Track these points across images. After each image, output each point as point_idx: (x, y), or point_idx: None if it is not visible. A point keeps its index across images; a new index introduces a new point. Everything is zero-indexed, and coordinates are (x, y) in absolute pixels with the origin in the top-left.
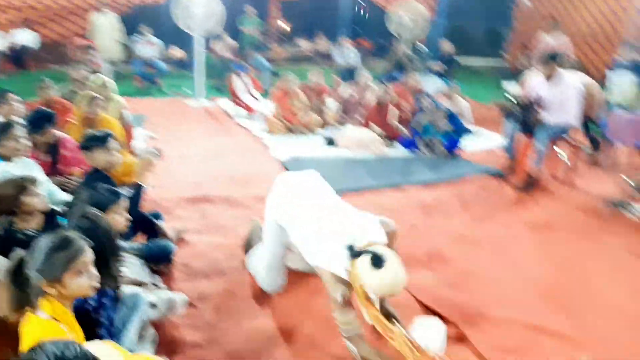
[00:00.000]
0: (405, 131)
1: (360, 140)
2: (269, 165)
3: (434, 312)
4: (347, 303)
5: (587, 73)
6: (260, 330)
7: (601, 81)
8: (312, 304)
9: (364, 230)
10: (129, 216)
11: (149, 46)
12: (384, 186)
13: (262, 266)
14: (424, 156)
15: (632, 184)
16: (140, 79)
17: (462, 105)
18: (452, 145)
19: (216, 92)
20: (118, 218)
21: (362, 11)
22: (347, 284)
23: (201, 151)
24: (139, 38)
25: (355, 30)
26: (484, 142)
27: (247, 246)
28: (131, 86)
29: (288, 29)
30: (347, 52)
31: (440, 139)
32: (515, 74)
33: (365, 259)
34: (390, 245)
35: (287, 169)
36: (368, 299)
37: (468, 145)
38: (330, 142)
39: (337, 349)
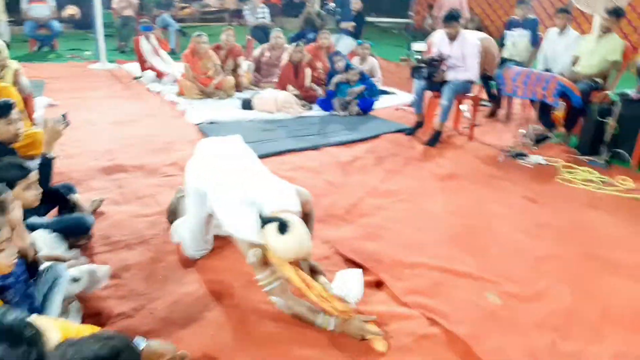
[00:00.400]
0: (320, 91)
1: (277, 102)
2: (184, 131)
3: (354, 263)
4: (262, 262)
5: (488, 31)
6: (189, 295)
7: (499, 39)
8: (238, 266)
9: (278, 198)
10: (40, 190)
11: (41, 5)
12: (303, 148)
13: (187, 233)
14: (340, 116)
15: (526, 135)
16: (34, 41)
17: (374, 64)
18: (366, 105)
19: (120, 54)
20: (28, 193)
21: None
22: (260, 245)
23: (110, 118)
24: None
25: None
26: (394, 100)
27: (171, 215)
28: (24, 50)
29: None
30: (258, 11)
31: (354, 99)
32: (422, 33)
33: (272, 226)
34: (305, 213)
35: (203, 134)
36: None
37: (380, 103)
38: (247, 104)
39: (267, 306)
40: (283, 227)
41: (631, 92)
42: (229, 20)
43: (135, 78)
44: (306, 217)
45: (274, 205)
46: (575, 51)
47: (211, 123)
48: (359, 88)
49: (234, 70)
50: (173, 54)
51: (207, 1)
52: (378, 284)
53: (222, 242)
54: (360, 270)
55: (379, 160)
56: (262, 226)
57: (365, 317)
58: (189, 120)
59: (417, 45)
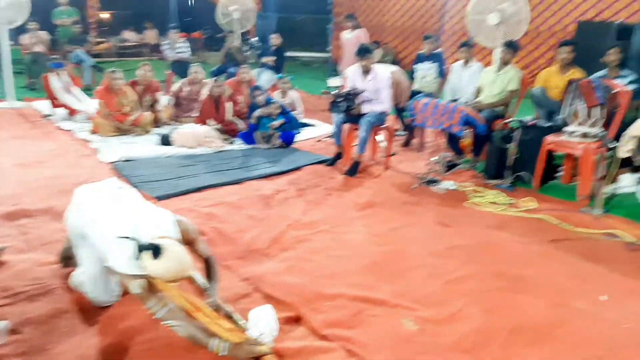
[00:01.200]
0: (242, 125)
1: (197, 137)
2: (97, 170)
3: (274, 299)
4: (148, 290)
5: (402, 64)
6: (96, 346)
7: (411, 72)
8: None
9: (154, 227)
10: None
11: None
12: (225, 183)
13: (87, 281)
14: (262, 149)
15: (437, 163)
16: None
17: (294, 98)
18: (288, 138)
19: (30, 92)
20: None
21: (191, 3)
22: (142, 276)
23: (15, 160)
24: None
25: (185, 22)
26: (315, 132)
27: (64, 260)
28: None
29: (107, 17)
30: (177, 45)
31: (276, 132)
32: (339, 66)
33: (147, 254)
34: (188, 240)
35: (117, 172)
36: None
37: (301, 135)
38: (166, 140)
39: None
40: (156, 252)
41: (527, 119)
42: (149, 55)
43: (45, 116)
44: (193, 248)
45: (150, 233)
46: (478, 82)
47: (126, 161)
48: (279, 121)
49: (152, 106)
50: (88, 90)
51: (126, 36)
52: (298, 319)
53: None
54: (270, 306)
55: (301, 192)
56: (137, 257)
57: (255, 340)
58: (102, 159)
59: (333, 81)
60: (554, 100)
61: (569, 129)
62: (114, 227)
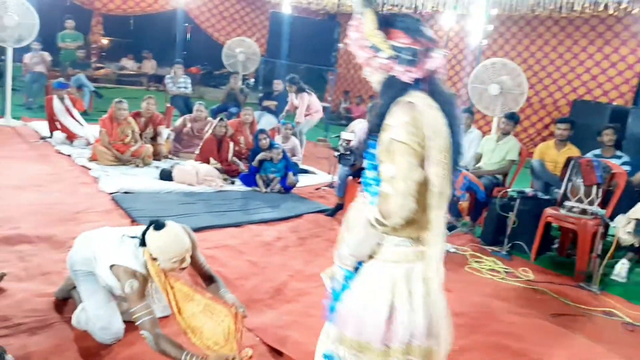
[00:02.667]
0: (242, 166)
1: (198, 175)
2: (96, 200)
3: (278, 352)
4: (139, 294)
5: None
6: None
7: None
8: (152, 356)
9: None
10: None
11: None
12: (225, 225)
13: (92, 316)
14: (262, 193)
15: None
16: None
17: (295, 144)
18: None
19: (26, 110)
20: None
21: (191, 36)
22: (138, 277)
23: (13, 181)
24: None
25: (186, 57)
26: (314, 179)
27: (60, 293)
28: None
29: (106, 42)
30: (180, 80)
31: (277, 177)
32: (337, 116)
33: (150, 230)
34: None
35: (117, 204)
36: (163, 273)
37: (301, 182)
38: (166, 175)
39: None
40: (159, 225)
41: (528, 190)
42: (146, 84)
43: (43, 138)
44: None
45: None
46: (478, 148)
47: (126, 193)
48: (278, 178)
49: (153, 139)
50: (85, 114)
51: (124, 64)
52: None
53: (134, 327)
54: None
55: (302, 240)
56: (142, 243)
57: (230, 356)
58: (102, 189)
59: (346, 134)
60: (551, 173)
61: (568, 204)
62: (117, 233)
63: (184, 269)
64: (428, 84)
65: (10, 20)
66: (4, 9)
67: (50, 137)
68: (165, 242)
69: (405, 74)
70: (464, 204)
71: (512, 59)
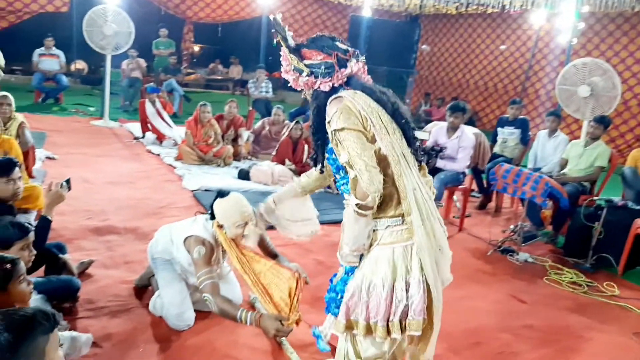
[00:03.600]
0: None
1: (273, 175)
2: (179, 197)
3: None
4: (205, 260)
5: (481, 124)
6: None
7: (491, 134)
8: (223, 337)
9: None
10: (34, 251)
11: (51, 59)
12: None
13: (167, 303)
14: (334, 194)
15: (515, 232)
16: (40, 93)
17: None
18: None
19: (123, 113)
20: (23, 254)
21: (275, 41)
22: (206, 245)
23: (107, 177)
24: (41, 50)
25: (269, 61)
26: None
27: (140, 280)
28: (29, 100)
29: (198, 50)
30: (262, 85)
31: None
32: (417, 118)
33: (216, 200)
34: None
35: (197, 201)
36: (231, 241)
37: None
38: (244, 174)
39: None
40: (223, 194)
41: (617, 199)
42: (232, 89)
43: (136, 138)
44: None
45: None
46: (563, 154)
47: (206, 190)
48: None
49: (234, 140)
50: (175, 117)
51: (213, 69)
52: None
53: (204, 315)
54: None
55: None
56: (211, 217)
57: (281, 317)
58: (185, 186)
59: (420, 134)
60: None
61: None
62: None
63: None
64: (349, 86)
65: (109, 29)
66: (103, 19)
67: (143, 138)
68: (228, 206)
69: (324, 85)
70: (547, 212)
71: (609, 59)
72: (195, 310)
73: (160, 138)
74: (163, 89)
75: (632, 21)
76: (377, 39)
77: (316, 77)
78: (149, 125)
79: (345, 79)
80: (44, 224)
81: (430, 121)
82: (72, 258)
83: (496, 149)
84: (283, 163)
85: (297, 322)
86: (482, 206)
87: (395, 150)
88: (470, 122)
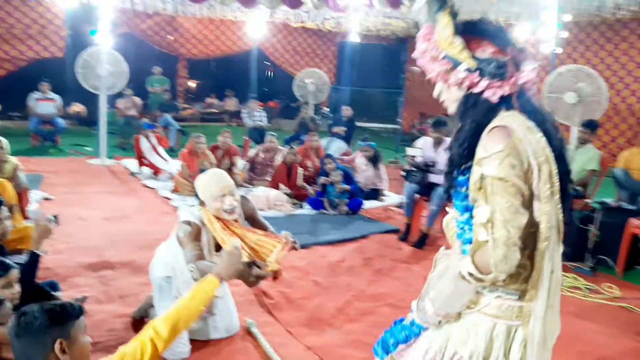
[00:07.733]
0: (310, 190)
1: (269, 200)
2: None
3: None
4: (190, 237)
5: None
6: None
7: None
8: None
9: None
10: (18, 289)
11: (48, 103)
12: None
13: None
14: (330, 215)
15: None
16: (37, 136)
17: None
18: (355, 205)
19: (120, 151)
20: (7, 291)
21: (269, 73)
22: (192, 225)
23: (102, 213)
24: (37, 94)
25: (263, 92)
26: (382, 200)
27: (140, 313)
28: (26, 144)
29: (194, 85)
30: (255, 114)
31: (344, 200)
32: (410, 137)
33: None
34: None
35: None
36: (216, 218)
37: (368, 203)
38: None
39: None
40: (203, 170)
41: (610, 201)
42: (229, 121)
43: (132, 174)
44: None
45: None
46: None
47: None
48: (345, 187)
49: (229, 169)
50: (172, 151)
51: (208, 103)
52: None
53: (201, 345)
54: None
55: (367, 261)
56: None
57: (259, 263)
58: (181, 217)
59: (411, 150)
60: (637, 182)
61: None
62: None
63: (232, 213)
64: (518, 101)
65: (102, 69)
66: (96, 60)
67: (139, 173)
68: (206, 180)
69: (492, 91)
70: None
71: (595, 66)
72: (192, 340)
73: (156, 172)
74: (159, 124)
75: (615, 28)
76: (367, 62)
77: (482, 77)
78: (144, 160)
79: (518, 90)
80: (33, 259)
81: None
82: (65, 295)
83: None
84: (278, 188)
85: (276, 274)
86: None
87: (552, 222)
88: None
